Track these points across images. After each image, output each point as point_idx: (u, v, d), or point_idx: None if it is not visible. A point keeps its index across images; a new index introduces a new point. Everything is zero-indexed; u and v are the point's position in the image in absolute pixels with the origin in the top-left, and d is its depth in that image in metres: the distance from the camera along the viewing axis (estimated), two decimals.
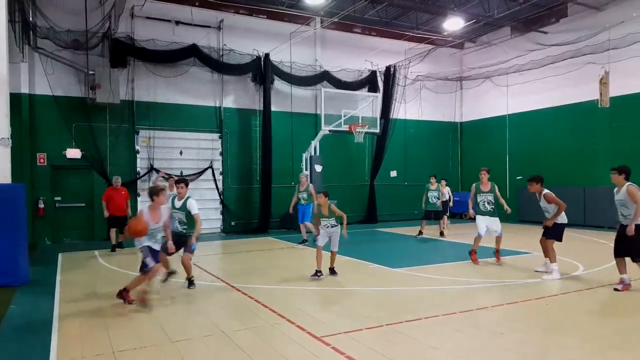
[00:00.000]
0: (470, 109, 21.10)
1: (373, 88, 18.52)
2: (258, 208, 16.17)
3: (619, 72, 14.98)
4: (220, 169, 16.04)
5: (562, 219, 8.00)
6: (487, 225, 9.27)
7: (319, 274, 8.01)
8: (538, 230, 8.87)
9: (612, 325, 5.53)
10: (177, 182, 7.70)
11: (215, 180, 15.79)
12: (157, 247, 6.63)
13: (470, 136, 21.14)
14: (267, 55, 16.19)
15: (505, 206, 9.45)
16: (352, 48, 18.42)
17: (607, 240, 12.20)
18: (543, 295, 6.83)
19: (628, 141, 15.04)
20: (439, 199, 13.74)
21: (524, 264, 9.24)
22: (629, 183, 7.02)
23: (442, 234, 13.97)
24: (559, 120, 17.23)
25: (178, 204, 7.35)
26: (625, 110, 15.07)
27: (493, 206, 9.32)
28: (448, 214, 15.73)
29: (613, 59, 15.03)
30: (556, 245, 8.01)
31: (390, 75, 18.79)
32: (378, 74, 18.75)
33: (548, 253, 8.00)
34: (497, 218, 9.34)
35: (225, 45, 15.94)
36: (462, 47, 20.73)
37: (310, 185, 12.55)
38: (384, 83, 18.81)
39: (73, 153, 13.90)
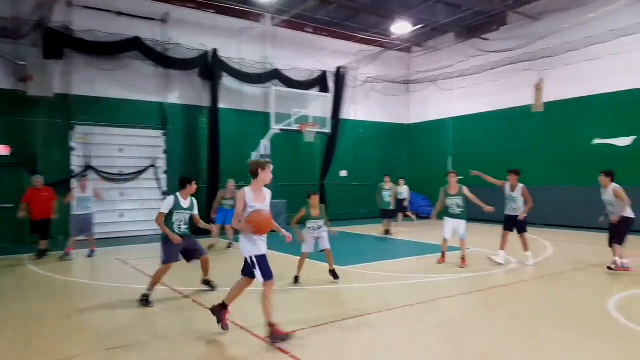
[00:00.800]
0: (417, 112, 21.58)
1: (324, 88, 18.47)
2: (204, 209, 15.62)
3: (552, 79, 15.90)
4: (164, 168, 15.39)
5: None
6: (454, 227, 9.26)
7: (298, 280, 7.57)
8: (481, 228, 9.27)
9: (536, 315, 5.81)
10: (189, 180, 6.82)
11: (158, 179, 15.12)
12: (264, 249, 5.02)
13: (417, 138, 21.63)
14: (215, 50, 15.73)
15: (484, 206, 9.05)
16: (303, 47, 18.30)
17: (538, 236, 12.83)
18: (481, 289, 7.24)
19: (561, 144, 16.01)
20: (392, 197, 14.10)
21: (457, 259, 9.33)
22: (615, 184, 8.28)
23: (387, 232, 14.17)
24: (498, 123, 17.99)
25: (185, 203, 6.76)
26: (558, 115, 15.97)
27: (462, 209, 9.26)
28: (408, 212, 16.11)
29: (547, 66, 15.89)
30: (493, 241, 8.50)
31: (340, 76, 18.85)
32: (329, 74, 18.72)
33: (522, 245, 9.04)
34: (464, 221, 9.30)
35: (170, 38, 15.33)
36: (410, 51, 21.14)
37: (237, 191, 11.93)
38: (334, 83, 18.82)
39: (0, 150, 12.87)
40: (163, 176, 15.32)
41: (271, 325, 4.80)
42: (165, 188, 15.28)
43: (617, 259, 8.13)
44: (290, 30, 17.88)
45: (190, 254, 6.99)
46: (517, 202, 9.04)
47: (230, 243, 11.75)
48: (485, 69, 17.47)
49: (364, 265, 8.99)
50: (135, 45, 14.50)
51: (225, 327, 5.14)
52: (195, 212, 6.94)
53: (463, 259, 9.07)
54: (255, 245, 4.88)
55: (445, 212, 9.42)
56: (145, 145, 15.07)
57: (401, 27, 17.63)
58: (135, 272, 8.87)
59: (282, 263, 8.49)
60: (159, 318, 5.96)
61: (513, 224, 9.11)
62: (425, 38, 19.71)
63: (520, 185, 9.10)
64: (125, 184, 14.70)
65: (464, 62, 18.14)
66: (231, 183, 11.80)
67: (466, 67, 18.11)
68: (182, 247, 6.68)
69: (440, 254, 9.41)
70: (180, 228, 6.69)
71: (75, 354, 4.56)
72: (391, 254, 10.53)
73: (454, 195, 9.27)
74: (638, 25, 13.42)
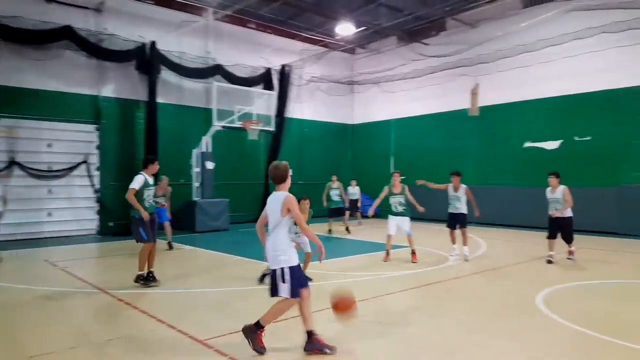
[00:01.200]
0: (360, 112, 21.87)
1: (268, 86, 18.24)
2: None
3: (487, 85, 16.57)
4: (97, 164, 14.59)
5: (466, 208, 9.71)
6: (397, 224, 9.53)
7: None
8: (417, 226, 9.59)
9: (470, 310, 6.00)
10: (152, 160, 7.62)
11: (90, 176, 14.32)
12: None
13: (361, 138, 21.90)
14: (153, 43, 15.11)
15: (418, 207, 9.61)
16: (246, 43, 18.00)
17: (471, 234, 13.18)
18: (419, 285, 7.41)
19: (495, 146, 16.71)
20: (340, 196, 14.24)
21: (403, 257, 9.59)
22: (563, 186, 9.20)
23: (347, 229, 14.33)
24: (436, 125, 18.53)
25: (151, 180, 7.49)
26: (492, 118, 16.66)
27: (404, 207, 9.58)
28: (360, 212, 16.32)
29: (483, 72, 16.54)
30: (429, 238, 8.64)
31: (285, 74, 18.71)
32: (273, 72, 18.53)
33: (462, 240, 9.60)
34: (408, 218, 9.57)
35: (105, 29, 14.57)
36: (354, 52, 21.38)
37: (169, 188, 11.62)
38: (279, 81, 18.66)
39: None
40: (96, 173, 14.52)
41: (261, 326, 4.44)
42: (98, 185, 14.50)
43: (572, 249, 9.30)
44: (233, 26, 17.53)
45: (154, 227, 7.43)
46: (461, 200, 9.65)
47: (170, 242, 11.29)
48: (425, 73, 17.94)
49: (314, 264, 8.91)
50: (66, 35, 13.62)
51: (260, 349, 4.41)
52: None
53: (413, 254, 9.34)
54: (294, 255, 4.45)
55: (388, 211, 9.76)
56: (76, 140, 14.18)
57: (345, 28, 17.80)
58: (65, 275, 8.31)
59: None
60: (88, 321, 5.60)
61: (456, 221, 9.66)
62: (368, 40, 19.98)
63: (464, 186, 9.75)
64: (54, 181, 13.78)
65: (406, 66, 18.56)
66: (165, 180, 11.35)
67: (407, 71, 18.53)
68: (151, 222, 7.27)
69: (384, 252, 9.57)
70: (150, 203, 7.39)
71: None
72: (337, 253, 10.49)
73: (397, 194, 9.58)
74: (564, 36, 14.22)
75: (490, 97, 16.58)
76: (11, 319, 5.62)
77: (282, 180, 4.64)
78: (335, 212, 14.29)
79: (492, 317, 5.67)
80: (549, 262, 9.00)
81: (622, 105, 13.70)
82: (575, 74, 14.50)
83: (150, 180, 7.45)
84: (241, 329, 4.46)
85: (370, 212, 9.85)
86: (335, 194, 14.07)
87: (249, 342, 4.38)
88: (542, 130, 15.42)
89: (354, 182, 16.79)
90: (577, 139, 14.63)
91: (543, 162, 14.89)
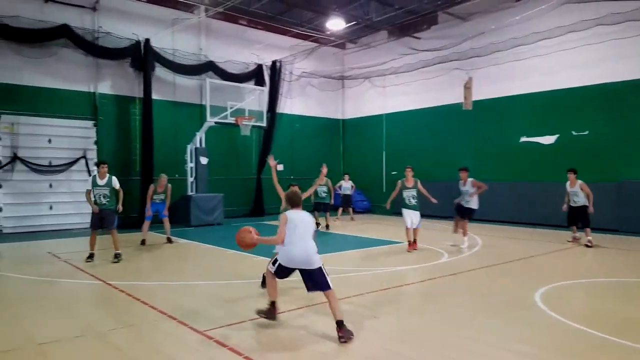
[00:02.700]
0: (351, 107, 22.07)
1: (260, 81, 18.62)
2: (138, 201, 15.46)
3: (480, 79, 16.48)
4: (95, 159, 15.03)
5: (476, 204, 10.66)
6: (411, 217, 10.16)
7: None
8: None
9: (466, 306, 6.27)
10: (99, 163, 9.49)
11: (89, 171, 14.75)
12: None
13: (352, 133, 22.14)
14: (147, 40, 15.49)
15: (431, 198, 10.23)
16: (238, 40, 18.34)
17: (469, 231, 13.70)
18: (412, 282, 7.61)
19: (489, 141, 16.67)
20: (327, 195, 14.28)
21: (396, 253, 10.09)
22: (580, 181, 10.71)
23: (327, 227, 14.39)
24: (428, 120, 18.59)
25: (102, 181, 9.14)
26: (484, 113, 16.63)
27: (417, 201, 10.26)
28: (352, 207, 16.61)
29: (476, 65, 16.51)
30: (424, 234, 9.27)
31: (276, 69, 19.04)
32: (264, 67, 18.88)
33: (464, 230, 10.58)
34: (419, 212, 10.30)
35: (101, 27, 14.95)
36: (344, 47, 21.66)
37: (169, 185, 12.08)
38: (270, 77, 18.99)
39: None
40: (94, 168, 14.97)
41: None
42: (96, 172, 14.95)
43: (590, 237, 10.62)
44: (224, 22, 17.86)
45: (102, 223, 9.20)
46: (469, 191, 10.66)
47: (169, 237, 11.79)
48: (417, 67, 18.02)
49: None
50: (63, 33, 14.06)
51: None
52: (116, 186, 9.27)
53: (414, 242, 10.23)
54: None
55: (401, 204, 10.36)
56: (75, 136, 14.68)
57: (335, 24, 18.00)
58: (68, 266, 8.83)
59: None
60: (91, 311, 6.10)
61: (465, 212, 10.77)
62: (359, 35, 20.15)
63: (470, 179, 10.71)
64: (54, 176, 14.28)
65: (397, 60, 18.74)
66: (163, 178, 11.78)
67: (399, 65, 18.72)
68: (99, 216, 9.11)
69: (407, 244, 10.30)
70: (99, 200, 9.12)
71: (6, 348, 4.62)
72: (332, 248, 10.78)
73: (410, 188, 10.26)
74: (559, 29, 14.08)
75: (484, 91, 16.41)
76: (18, 308, 6.03)
77: (296, 206, 5.33)
78: (320, 207, 14.32)
79: (488, 313, 5.75)
80: (575, 239, 11.11)
81: (621, 99, 13.47)
82: (571, 67, 14.36)
83: (100, 181, 9.15)
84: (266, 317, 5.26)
85: (387, 205, 10.49)
86: (322, 191, 14.15)
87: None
88: (538, 124, 15.28)
89: (346, 177, 17.11)
90: (574, 133, 14.44)
91: (539, 157, 14.93)
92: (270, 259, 5.48)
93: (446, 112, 17.87)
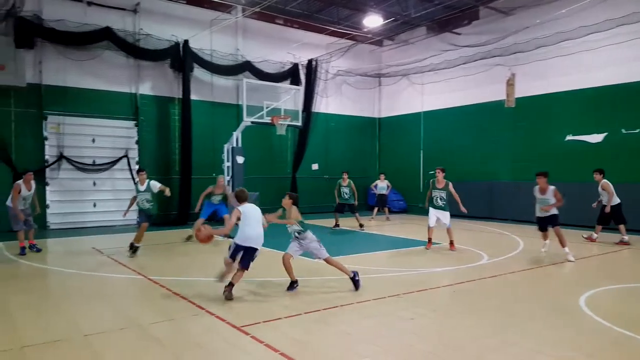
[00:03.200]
0: (388, 106, 21.84)
1: (295, 81, 18.64)
2: (177, 200, 15.78)
3: (524, 75, 15.94)
4: (137, 159, 15.42)
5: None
6: (438, 217, 10.21)
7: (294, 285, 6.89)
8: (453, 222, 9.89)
9: (506, 309, 6.08)
10: (139, 171, 10.46)
11: (130, 170, 15.15)
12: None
13: (388, 132, 21.89)
14: (186, 41, 15.76)
15: (461, 205, 10.08)
16: (274, 39, 18.42)
17: (509, 232, 13.25)
18: (450, 283, 7.40)
19: (529, 139, 16.15)
20: (350, 196, 14.10)
21: (433, 254, 9.89)
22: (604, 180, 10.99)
23: (361, 226, 14.14)
24: (468, 118, 18.15)
25: (142, 187, 9.96)
26: (527, 110, 16.09)
27: (445, 202, 10.22)
28: (388, 207, 16.43)
29: (519, 61, 15.99)
30: (463, 236, 8.80)
31: (312, 68, 19.03)
32: (300, 66, 18.90)
33: (561, 240, 9.18)
34: (448, 212, 10.25)
35: (141, 29, 15.30)
36: (381, 45, 21.44)
37: (227, 187, 12.15)
38: (306, 76, 19.00)
39: None
40: (136, 167, 15.35)
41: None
42: (137, 179, 15.31)
43: (625, 237, 10.93)
44: (261, 22, 17.96)
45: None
46: (549, 202, 9.32)
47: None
48: (457, 64, 17.67)
49: (337, 259, 9.20)
50: (106, 36, 14.45)
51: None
52: (154, 189, 9.98)
53: (451, 243, 10.16)
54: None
55: (429, 203, 10.40)
56: (117, 136, 15.09)
57: (372, 21, 17.85)
58: (111, 262, 9.05)
59: None
60: (133, 305, 6.20)
61: (547, 223, 9.53)
62: (396, 31, 19.89)
63: (552, 188, 9.33)
64: (98, 174, 14.73)
65: (436, 56, 18.41)
66: (221, 178, 11.89)
67: (438, 62, 18.37)
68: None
69: (427, 241, 10.39)
70: (142, 205, 10.05)
71: (55, 339, 4.75)
72: (367, 248, 10.73)
73: (440, 189, 10.25)
74: (608, 22, 13.45)
75: (528, 87, 15.87)
76: (64, 301, 6.23)
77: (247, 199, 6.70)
78: (343, 208, 14.24)
79: (529, 316, 5.59)
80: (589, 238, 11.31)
81: None
82: (621, 61, 13.73)
83: (141, 187, 9.99)
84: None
85: (426, 205, 10.56)
86: (345, 192, 14.06)
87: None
88: (585, 122, 14.68)
89: (382, 177, 16.92)
90: (624, 131, 13.81)
91: (586, 156, 14.38)
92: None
93: (487, 109, 17.44)
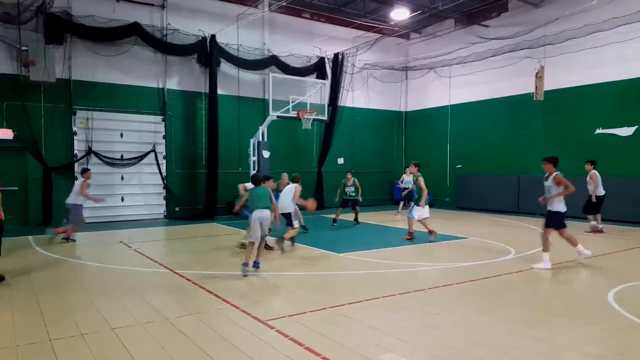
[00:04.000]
0: (414, 99, 21.58)
1: (321, 75, 18.55)
2: (203, 194, 15.92)
3: (553, 67, 15.63)
4: (164, 153, 15.61)
5: (561, 207, 8.02)
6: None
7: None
8: (475, 217, 9.46)
9: (533, 305, 5.90)
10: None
11: (158, 164, 15.35)
12: None
13: (414, 125, 21.65)
14: (213, 36, 15.82)
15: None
16: (300, 33, 18.34)
17: (537, 226, 12.93)
18: (477, 278, 7.21)
19: (561, 133, 15.81)
20: (354, 193, 13.91)
21: (459, 248, 9.75)
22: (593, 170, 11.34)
23: (356, 221, 13.92)
24: (496, 111, 17.91)
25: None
26: (556, 103, 15.84)
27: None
28: (413, 202, 16.23)
29: (548, 54, 15.71)
30: (490, 230, 8.51)
31: (338, 62, 18.89)
32: (326, 60, 18.79)
33: (571, 240, 8.08)
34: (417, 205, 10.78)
35: (169, 24, 15.43)
36: (408, 38, 21.15)
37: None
38: (332, 70, 18.88)
39: (3, 133, 13.04)
40: (163, 161, 15.55)
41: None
42: (165, 173, 15.53)
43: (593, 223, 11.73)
44: (287, 16, 17.90)
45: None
46: (552, 191, 8.20)
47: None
48: (485, 56, 17.43)
49: (362, 253, 9.15)
50: (134, 31, 14.62)
51: None
52: None
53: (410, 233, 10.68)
54: None
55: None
56: (145, 131, 15.28)
57: (399, 13, 17.58)
58: (138, 255, 9.16)
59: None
60: (160, 298, 6.23)
61: (547, 219, 8.30)
62: (423, 24, 19.62)
63: (554, 174, 8.27)
64: (126, 169, 14.95)
65: (463, 49, 18.15)
66: (285, 177, 11.53)
67: (466, 54, 18.10)
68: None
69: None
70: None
71: (83, 332, 4.82)
72: (391, 242, 10.60)
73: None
74: (638, 14, 13.23)
75: (557, 80, 15.59)
76: (92, 293, 6.31)
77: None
78: (347, 203, 13.97)
79: (557, 313, 5.50)
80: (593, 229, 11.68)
81: None
82: None
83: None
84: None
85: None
86: (350, 191, 13.84)
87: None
88: (615, 115, 14.44)
89: (408, 171, 16.70)
90: None
91: (616, 149, 14.14)
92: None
93: (516, 102, 17.21)
